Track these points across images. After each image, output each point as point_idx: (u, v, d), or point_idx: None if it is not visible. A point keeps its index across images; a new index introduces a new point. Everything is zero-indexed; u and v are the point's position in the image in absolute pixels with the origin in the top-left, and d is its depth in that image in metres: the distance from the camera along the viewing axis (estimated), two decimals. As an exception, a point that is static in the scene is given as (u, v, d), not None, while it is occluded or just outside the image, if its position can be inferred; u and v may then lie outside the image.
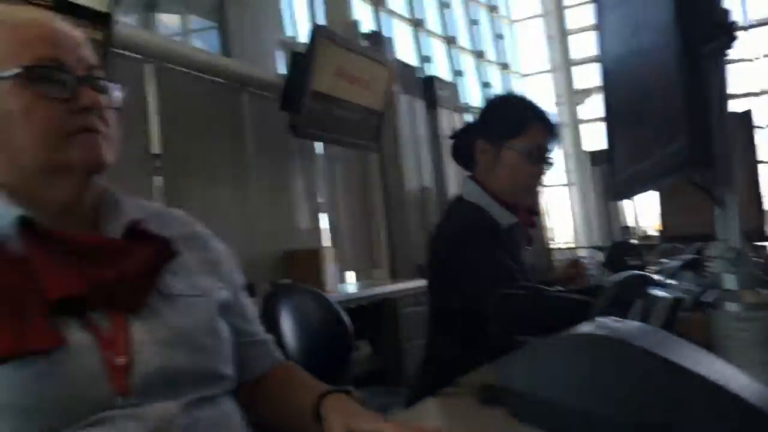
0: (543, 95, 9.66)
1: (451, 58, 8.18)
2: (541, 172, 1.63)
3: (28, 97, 0.76)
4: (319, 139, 4.23)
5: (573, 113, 9.58)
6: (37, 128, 0.76)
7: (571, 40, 9.76)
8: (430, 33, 7.74)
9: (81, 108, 0.77)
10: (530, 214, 1.67)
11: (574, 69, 9.70)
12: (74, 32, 0.83)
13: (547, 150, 1.62)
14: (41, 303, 0.71)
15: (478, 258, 1.46)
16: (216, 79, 3.75)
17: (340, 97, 4.08)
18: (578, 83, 9.70)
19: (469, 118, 8.21)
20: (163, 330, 0.78)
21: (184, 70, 3.53)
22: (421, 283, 4.97)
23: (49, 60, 0.77)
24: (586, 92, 9.56)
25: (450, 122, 7.32)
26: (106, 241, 0.81)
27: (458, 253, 1.50)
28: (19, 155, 0.77)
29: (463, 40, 8.59)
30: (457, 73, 8.24)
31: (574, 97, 9.65)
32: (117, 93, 0.84)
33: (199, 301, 0.85)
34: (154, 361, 0.75)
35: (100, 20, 2.55)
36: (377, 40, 5.22)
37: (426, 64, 7.38)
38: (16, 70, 0.76)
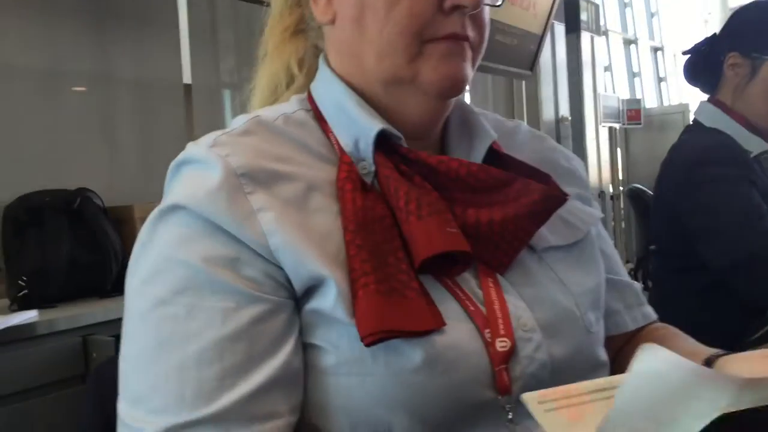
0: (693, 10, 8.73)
1: (590, -26, 7.47)
2: None
3: None
4: (472, 67, 3.95)
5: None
6: (394, 27, 0.58)
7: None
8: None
9: (452, 6, 0.58)
10: None
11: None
12: None
13: None
14: (405, 259, 0.54)
15: (723, 192, 1.29)
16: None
17: (500, 20, 3.76)
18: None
19: (603, 42, 7.56)
20: (544, 306, 0.59)
21: None
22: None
23: None
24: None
25: (590, 48, 6.78)
26: (485, 172, 0.60)
27: (697, 186, 1.32)
28: (366, 58, 0.61)
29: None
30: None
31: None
32: None
33: (580, 255, 0.65)
34: (540, 354, 0.57)
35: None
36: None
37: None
38: None
